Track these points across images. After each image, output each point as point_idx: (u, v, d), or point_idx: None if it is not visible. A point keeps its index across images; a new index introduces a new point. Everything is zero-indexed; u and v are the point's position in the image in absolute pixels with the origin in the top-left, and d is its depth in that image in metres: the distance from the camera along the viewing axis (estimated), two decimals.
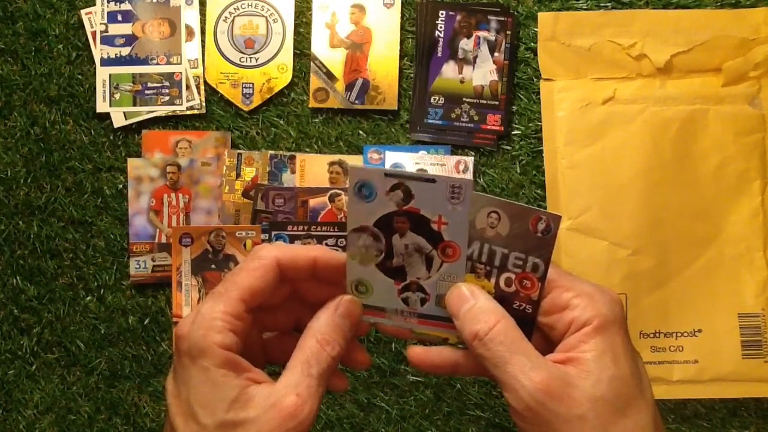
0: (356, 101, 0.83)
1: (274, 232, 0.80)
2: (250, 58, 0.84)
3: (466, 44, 0.82)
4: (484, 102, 0.82)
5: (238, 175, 0.82)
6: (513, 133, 0.82)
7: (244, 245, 0.80)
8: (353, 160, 0.83)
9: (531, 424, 0.42)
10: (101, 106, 0.84)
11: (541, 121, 0.81)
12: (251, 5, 0.84)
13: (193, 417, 0.40)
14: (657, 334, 0.78)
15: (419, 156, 0.82)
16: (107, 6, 0.84)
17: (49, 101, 0.84)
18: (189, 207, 0.83)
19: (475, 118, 0.82)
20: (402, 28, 0.83)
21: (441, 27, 0.82)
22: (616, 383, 0.42)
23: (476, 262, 0.46)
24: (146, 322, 0.83)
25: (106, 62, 0.84)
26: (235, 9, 0.84)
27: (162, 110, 0.84)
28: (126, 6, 0.84)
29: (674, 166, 0.78)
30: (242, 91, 0.84)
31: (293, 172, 0.83)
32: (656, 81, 0.80)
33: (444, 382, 0.81)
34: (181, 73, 0.84)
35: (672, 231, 0.78)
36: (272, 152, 0.83)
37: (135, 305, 0.83)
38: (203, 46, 0.84)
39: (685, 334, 0.78)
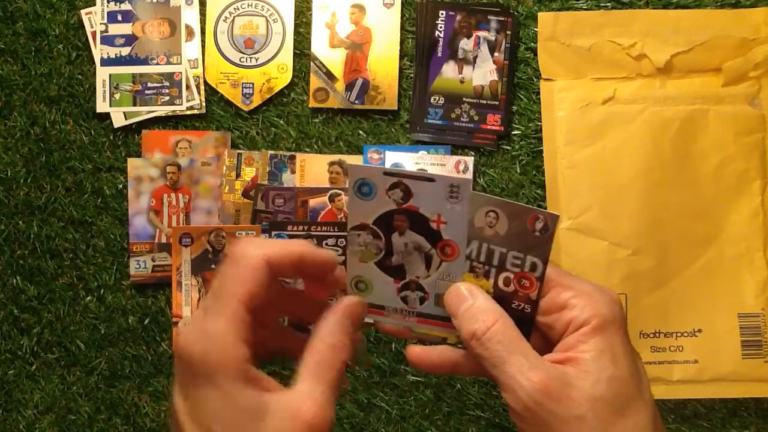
0: (356, 101, 0.83)
1: (274, 232, 0.80)
2: (250, 58, 0.84)
3: (466, 44, 0.82)
4: (484, 102, 0.82)
5: (238, 175, 0.82)
6: (513, 133, 0.82)
7: None
8: (353, 160, 0.83)
9: (530, 424, 0.41)
10: (101, 106, 0.84)
11: (541, 121, 0.81)
12: (251, 5, 0.84)
13: None
14: (657, 334, 0.78)
15: (419, 156, 0.82)
16: (107, 6, 0.84)
17: (49, 101, 0.84)
18: (189, 207, 0.83)
19: (475, 118, 0.82)
20: (402, 28, 0.83)
21: (441, 27, 0.82)
22: (615, 383, 0.41)
23: (475, 261, 0.46)
24: (146, 322, 0.83)
25: (106, 62, 0.84)
26: (235, 9, 0.84)
27: (162, 110, 0.84)
28: (126, 6, 0.84)
29: (674, 166, 0.78)
30: (242, 91, 0.84)
31: (293, 172, 0.83)
32: (656, 81, 0.80)
33: (444, 382, 0.81)
34: (181, 73, 0.84)
35: (672, 231, 0.78)
36: (272, 152, 0.83)
37: (135, 305, 0.83)
38: (203, 46, 0.84)
39: (685, 334, 0.78)
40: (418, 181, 0.43)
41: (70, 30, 0.85)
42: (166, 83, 0.84)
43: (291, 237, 0.80)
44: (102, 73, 0.84)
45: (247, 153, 0.83)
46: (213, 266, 0.81)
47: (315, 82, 0.83)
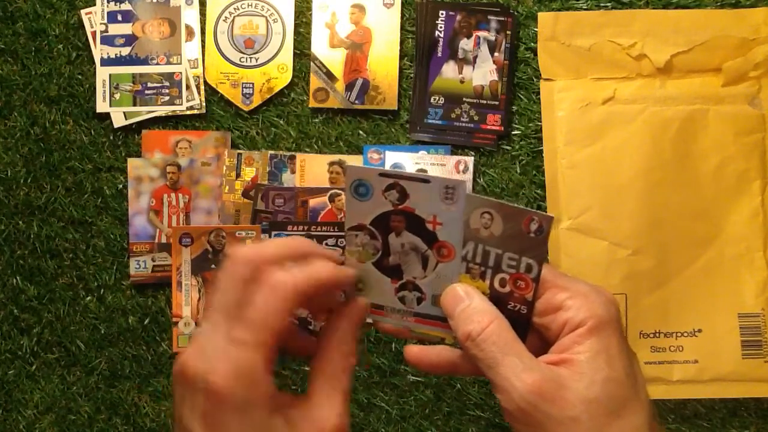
0: (356, 101, 0.83)
1: (274, 232, 0.80)
2: (250, 58, 0.84)
3: (466, 44, 0.82)
4: (484, 102, 0.82)
5: (238, 175, 0.83)
6: (513, 133, 0.82)
7: None
8: (353, 160, 0.83)
9: (524, 425, 0.42)
10: (101, 106, 0.84)
11: (541, 121, 0.81)
12: (251, 5, 0.84)
13: None
14: (657, 334, 0.78)
15: (419, 156, 0.82)
16: (107, 6, 0.84)
17: (49, 101, 0.84)
18: (189, 207, 0.83)
19: (475, 118, 0.82)
20: (402, 28, 0.83)
21: (441, 27, 0.82)
22: (610, 385, 0.41)
23: (471, 262, 0.46)
24: (146, 322, 0.83)
25: (106, 62, 0.84)
26: (235, 9, 0.84)
27: (162, 110, 0.84)
28: (126, 6, 0.84)
29: (674, 166, 0.78)
30: (242, 91, 0.84)
31: (293, 172, 0.83)
32: (656, 81, 0.80)
33: (444, 382, 0.81)
34: (181, 73, 0.84)
35: (672, 231, 0.78)
36: (272, 152, 0.83)
37: (135, 305, 0.83)
38: (203, 46, 0.84)
39: (685, 334, 0.78)
40: (414, 182, 0.43)
41: (70, 30, 0.85)
42: (166, 83, 0.84)
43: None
44: (102, 73, 0.84)
45: (247, 153, 0.83)
46: (213, 266, 0.81)
47: (315, 82, 0.83)
